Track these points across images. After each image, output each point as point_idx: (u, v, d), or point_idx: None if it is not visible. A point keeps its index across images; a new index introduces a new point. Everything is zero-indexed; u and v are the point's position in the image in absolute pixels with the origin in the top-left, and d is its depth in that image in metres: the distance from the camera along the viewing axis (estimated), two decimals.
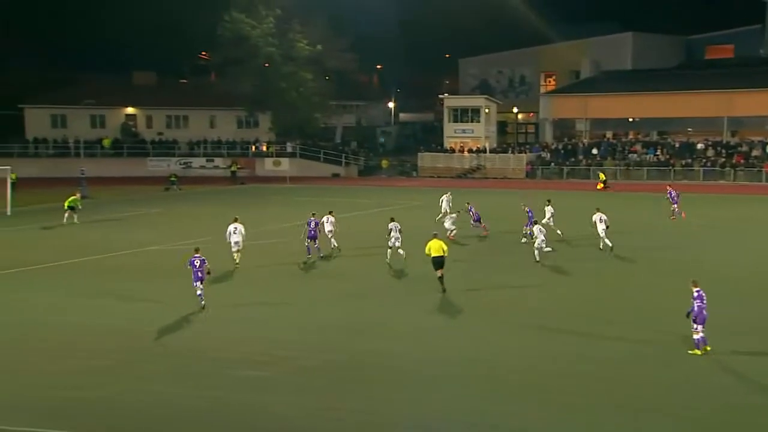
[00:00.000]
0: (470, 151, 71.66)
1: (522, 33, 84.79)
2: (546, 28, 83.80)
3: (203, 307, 20.78)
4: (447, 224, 32.23)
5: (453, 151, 72.45)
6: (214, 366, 16.24)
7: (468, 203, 35.11)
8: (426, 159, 71.90)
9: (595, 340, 17.94)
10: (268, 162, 71.82)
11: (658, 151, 68.09)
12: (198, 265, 20.98)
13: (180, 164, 71.57)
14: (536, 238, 27.00)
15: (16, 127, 74.27)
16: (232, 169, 67.68)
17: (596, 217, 29.36)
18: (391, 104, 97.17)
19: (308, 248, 27.90)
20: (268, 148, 73.74)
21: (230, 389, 14.93)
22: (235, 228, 27.22)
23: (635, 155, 68.46)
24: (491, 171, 69.25)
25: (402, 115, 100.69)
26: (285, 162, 70.85)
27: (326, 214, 29.49)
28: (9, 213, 41.57)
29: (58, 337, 18.47)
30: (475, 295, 22.47)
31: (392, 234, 26.63)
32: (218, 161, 72.37)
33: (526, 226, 30.68)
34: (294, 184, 62.64)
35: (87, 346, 17.70)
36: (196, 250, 21.44)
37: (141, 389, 14.98)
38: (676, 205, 38.39)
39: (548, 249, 27.39)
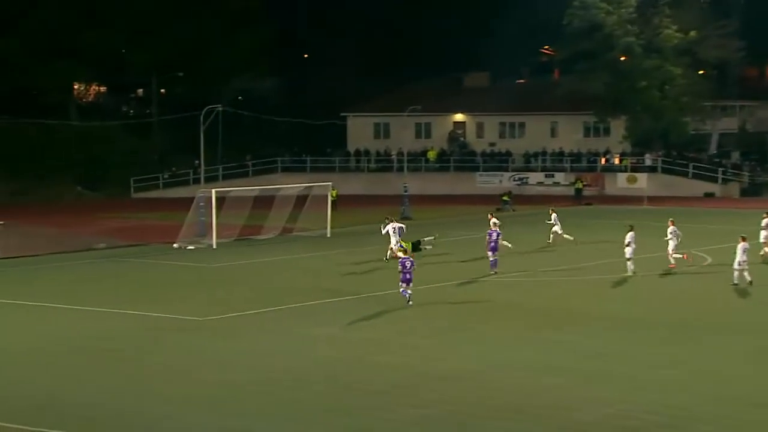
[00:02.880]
0: None
1: None
2: None
3: (409, 304, 26.14)
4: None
5: None
6: (566, 428, 15.89)
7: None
8: None
9: None
10: (621, 178, 70.51)
11: None
12: (408, 266, 26.02)
13: (514, 180, 72.76)
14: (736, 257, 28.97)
15: (339, 138, 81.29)
16: (577, 186, 67.21)
17: None
18: None
19: (492, 262, 32.41)
20: (621, 161, 72.50)
21: None
22: (394, 228, 34.28)
23: None
24: None
25: None
26: (642, 178, 68.80)
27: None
28: (329, 234, 45.21)
29: (382, 378, 19.35)
30: None
31: (629, 247, 31.52)
32: (559, 177, 72.42)
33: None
34: (653, 205, 60.44)
35: (411, 391, 18.28)
36: (405, 252, 27.59)
37: None
38: None
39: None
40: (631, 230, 31.99)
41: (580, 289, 30.09)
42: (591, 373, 19.47)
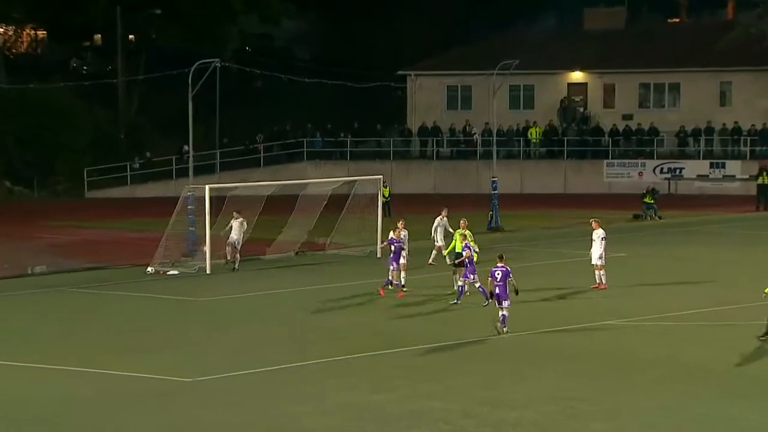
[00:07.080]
0: None
1: None
2: None
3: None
4: None
5: None
6: None
7: None
8: None
9: None
10: None
11: None
12: (499, 277, 29.90)
13: (661, 172, 72.59)
14: None
15: (396, 110, 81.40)
16: (761, 181, 66.56)
17: None
18: None
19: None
20: None
21: None
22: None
23: None
24: None
25: None
26: None
27: None
28: (379, 254, 44.99)
29: None
30: None
31: None
32: (733, 167, 72.69)
33: None
34: None
35: None
36: (500, 258, 30.51)
37: None
38: None
39: None
40: None
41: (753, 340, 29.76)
42: None
